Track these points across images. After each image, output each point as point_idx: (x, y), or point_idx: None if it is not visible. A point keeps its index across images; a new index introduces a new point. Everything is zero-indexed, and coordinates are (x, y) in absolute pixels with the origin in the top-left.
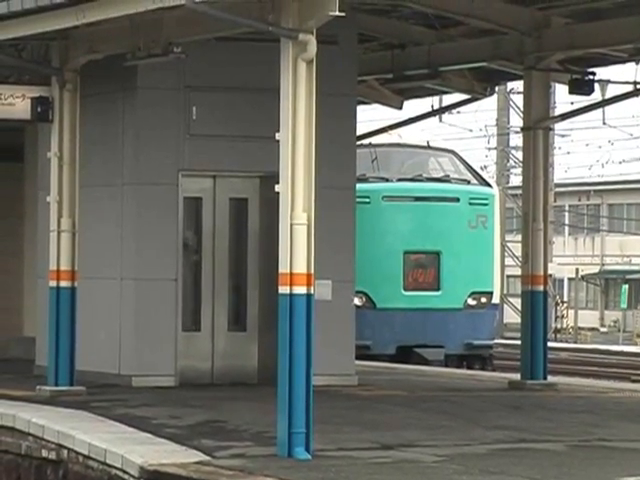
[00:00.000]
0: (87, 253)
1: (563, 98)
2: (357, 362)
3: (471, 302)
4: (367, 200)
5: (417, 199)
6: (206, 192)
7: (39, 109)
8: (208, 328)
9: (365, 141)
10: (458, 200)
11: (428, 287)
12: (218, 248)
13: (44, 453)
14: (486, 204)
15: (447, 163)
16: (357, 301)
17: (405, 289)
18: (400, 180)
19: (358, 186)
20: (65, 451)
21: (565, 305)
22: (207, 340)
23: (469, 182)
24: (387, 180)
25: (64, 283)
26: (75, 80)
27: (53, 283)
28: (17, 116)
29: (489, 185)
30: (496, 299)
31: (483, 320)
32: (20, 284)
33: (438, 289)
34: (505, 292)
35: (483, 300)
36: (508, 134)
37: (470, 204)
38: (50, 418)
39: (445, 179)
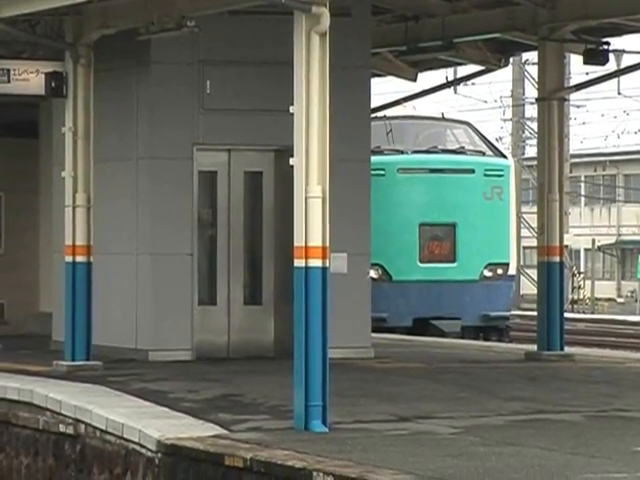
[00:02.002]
0: (102, 228)
1: (578, 68)
2: (373, 335)
3: (487, 274)
4: (382, 172)
5: (432, 171)
6: (221, 166)
7: (53, 84)
8: (224, 302)
9: (380, 114)
10: (473, 172)
11: (444, 259)
12: (233, 222)
13: (62, 428)
14: (501, 175)
15: (462, 135)
16: (373, 274)
17: (421, 261)
18: (415, 152)
19: (373, 158)
20: (82, 426)
21: (582, 276)
22: (223, 314)
23: (484, 154)
24: (402, 152)
25: (80, 258)
26: (89, 55)
27: (69, 258)
28: (31, 92)
29: (504, 156)
30: (512, 270)
31: (499, 291)
32: (36, 260)
33: (454, 261)
34: (521, 263)
35: (499, 271)
36: (523, 105)
37: (485, 175)
38: (67, 393)
39: (460, 151)
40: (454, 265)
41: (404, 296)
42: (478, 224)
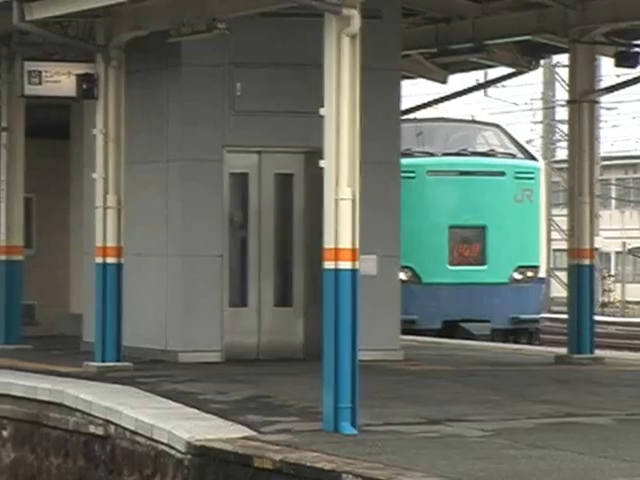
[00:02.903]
0: (133, 229)
1: (609, 71)
2: (403, 337)
3: (517, 276)
4: (412, 175)
5: (462, 173)
6: (251, 168)
7: (84, 86)
8: (254, 304)
9: (410, 116)
10: (504, 174)
11: (474, 261)
12: (264, 224)
13: (92, 429)
14: (532, 178)
15: (492, 137)
16: (403, 276)
17: (451, 264)
18: (445, 154)
19: (403, 161)
20: (112, 427)
21: (612, 279)
22: (253, 316)
23: (514, 156)
24: (432, 154)
25: (110, 259)
26: (120, 57)
27: (99, 259)
28: (63, 93)
29: (535, 159)
30: (542, 273)
31: (529, 294)
32: (67, 261)
33: (484, 263)
34: (552, 266)
35: (529, 274)
36: (554, 107)
37: (516, 178)
38: (97, 394)
39: (490, 153)
40: (484, 268)
41: (434, 298)
42: (508, 227)
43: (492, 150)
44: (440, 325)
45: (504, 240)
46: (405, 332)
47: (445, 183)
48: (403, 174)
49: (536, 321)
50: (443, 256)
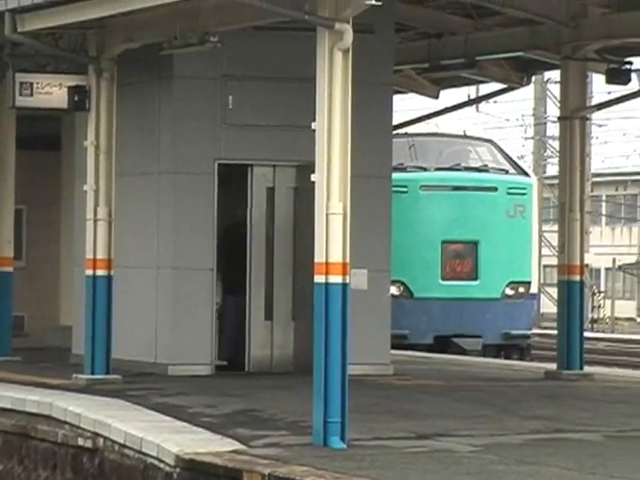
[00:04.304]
0: (123, 242)
1: (600, 88)
2: (394, 352)
3: (509, 292)
4: (405, 189)
5: (455, 188)
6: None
7: (76, 98)
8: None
9: (402, 130)
10: (496, 190)
11: (466, 277)
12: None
13: (80, 441)
14: (524, 194)
15: (485, 153)
16: (395, 290)
17: (443, 279)
18: (438, 169)
19: (396, 175)
20: (101, 439)
21: (602, 295)
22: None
23: (507, 172)
24: (425, 169)
25: (100, 272)
26: (112, 69)
27: (89, 272)
28: (54, 105)
29: (527, 175)
30: (534, 289)
31: (521, 310)
32: (57, 273)
33: (476, 279)
34: (542, 282)
35: (521, 290)
36: (545, 124)
37: (508, 194)
38: (86, 406)
39: (483, 169)
40: (476, 283)
41: (425, 313)
42: (500, 242)
43: (485, 165)
44: (432, 340)
45: (496, 255)
46: (397, 347)
47: (438, 198)
48: (396, 189)
49: (527, 337)
50: (435, 271)
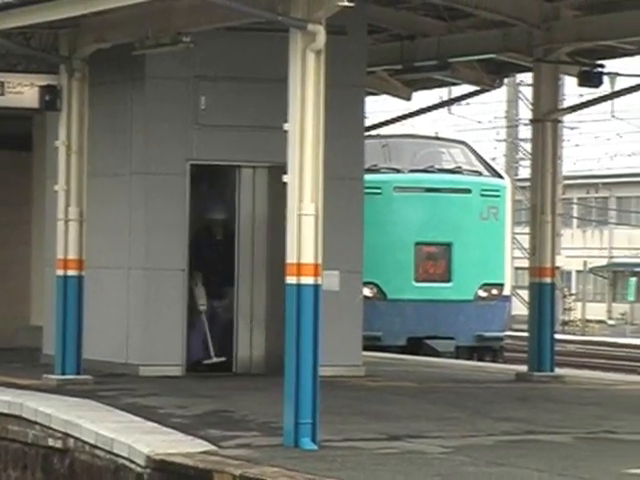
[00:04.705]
0: (95, 242)
1: (572, 90)
2: (365, 353)
3: (482, 294)
4: (378, 191)
5: (429, 190)
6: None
7: (47, 98)
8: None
9: (374, 132)
10: (470, 191)
11: (439, 278)
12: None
13: (51, 442)
14: (498, 196)
15: (459, 154)
16: (368, 292)
17: (416, 280)
18: (412, 171)
19: (369, 177)
20: (72, 440)
21: (573, 297)
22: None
23: (481, 174)
24: (399, 171)
25: (71, 272)
26: (83, 69)
27: (60, 272)
28: (25, 104)
29: (501, 177)
30: (507, 291)
31: (494, 312)
32: (27, 272)
33: (449, 280)
34: (513, 284)
35: (494, 292)
36: (517, 126)
37: (482, 195)
38: (57, 407)
39: (457, 170)
40: (449, 285)
41: (398, 315)
42: (474, 244)
43: (459, 167)
44: (405, 342)
45: (469, 257)
46: (370, 348)
47: (411, 200)
48: (370, 190)
49: (500, 339)
50: (408, 273)
